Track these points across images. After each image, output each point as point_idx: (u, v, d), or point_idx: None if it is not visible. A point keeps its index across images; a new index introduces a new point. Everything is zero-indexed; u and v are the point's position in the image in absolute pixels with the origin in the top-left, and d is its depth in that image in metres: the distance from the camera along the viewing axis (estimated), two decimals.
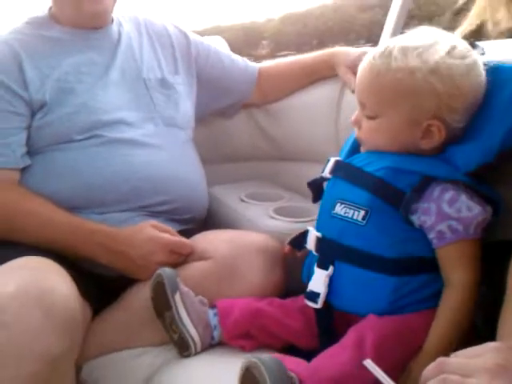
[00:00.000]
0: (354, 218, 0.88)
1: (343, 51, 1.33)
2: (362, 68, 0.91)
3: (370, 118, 0.90)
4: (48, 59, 1.18)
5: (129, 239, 1.05)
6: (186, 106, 1.33)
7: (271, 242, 1.08)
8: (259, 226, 1.22)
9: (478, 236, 0.85)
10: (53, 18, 1.26)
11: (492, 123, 0.86)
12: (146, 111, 1.25)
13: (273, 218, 1.24)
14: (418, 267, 0.86)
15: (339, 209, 0.90)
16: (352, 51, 1.30)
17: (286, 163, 1.51)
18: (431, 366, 0.56)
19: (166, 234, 1.07)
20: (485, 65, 0.88)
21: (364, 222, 0.87)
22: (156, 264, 1.02)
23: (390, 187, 0.86)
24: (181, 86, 1.33)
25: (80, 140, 1.15)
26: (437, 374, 0.55)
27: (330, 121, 1.36)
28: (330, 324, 0.92)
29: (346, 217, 0.89)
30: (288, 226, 1.19)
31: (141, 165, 1.17)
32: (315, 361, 0.83)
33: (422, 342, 0.83)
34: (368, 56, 0.90)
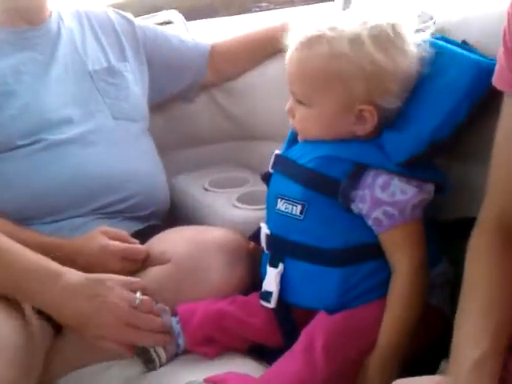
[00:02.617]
0: (293, 213, 0.85)
1: (293, 24, 1.25)
2: (289, 53, 0.86)
3: (302, 105, 0.86)
4: None
5: (79, 250, 1.01)
6: (136, 96, 1.28)
7: (231, 236, 1.04)
8: (223, 216, 1.19)
9: (417, 217, 0.82)
10: None
11: (424, 112, 0.82)
12: (93, 105, 1.20)
13: (236, 206, 1.19)
14: (364, 255, 0.84)
15: (280, 204, 0.88)
16: (300, 24, 1.23)
17: (250, 143, 1.46)
18: None
19: (118, 240, 1.03)
20: (423, 42, 0.83)
21: (302, 216, 0.84)
22: (110, 273, 0.97)
23: (324, 177, 0.83)
24: (130, 74, 1.29)
25: (23, 146, 1.11)
26: None
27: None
28: (289, 321, 0.89)
29: (287, 212, 0.86)
30: (252, 215, 1.15)
31: (90, 164, 1.12)
32: (265, 374, 0.81)
33: (376, 336, 0.81)
34: (295, 41, 0.85)
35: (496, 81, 0.75)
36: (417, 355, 0.84)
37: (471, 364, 0.62)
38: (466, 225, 0.77)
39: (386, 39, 0.81)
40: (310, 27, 0.85)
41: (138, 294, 0.90)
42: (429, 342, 0.85)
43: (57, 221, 1.10)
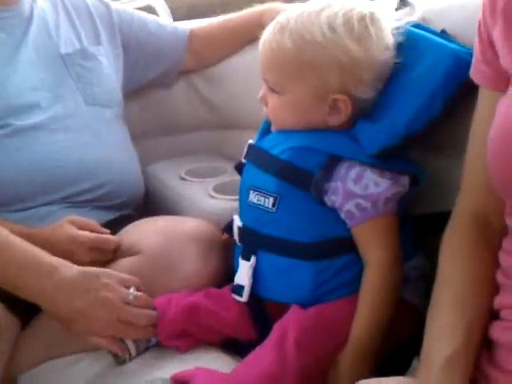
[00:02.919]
0: (265, 205, 0.84)
1: (273, 8, 1.22)
2: (262, 40, 0.83)
3: (275, 93, 0.83)
4: None
5: (47, 239, 0.97)
6: (110, 81, 1.25)
7: (205, 227, 1.01)
8: (199, 206, 1.16)
9: (391, 211, 0.81)
10: None
11: (398, 104, 0.80)
12: (64, 90, 1.17)
13: (212, 196, 1.17)
14: (337, 249, 0.82)
15: (252, 196, 0.86)
16: (283, 8, 1.20)
17: (229, 131, 1.42)
18: None
19: (87, 229, 1.00)
20: (399, 30, 0.81)
21: (274, 209, 0.82)
22: (78, 264, 0.94)
23: (297, 169, 0.81)
24: (104, 58, 1.26)
25: None
26: None
27: None
28: (263, 315, 0.88)
29: (259, 205, 0.85)
30: (228, 205, 1.12)
31: (58, 151, 1.10)
32: (236, 368, 0.80)
33: (348, 330, 0.80)
34: (268, 27, 0.82)
35: (472, 73, 0.73)
36: (390, 352, 0.83)
37: (442, 361, 0.61)
38: (442, 219, 0.76)
39: (361, 27, 0.79)
40: (283, 14, 0.83)
41: (132, 290, 0.89)
42: (402, 339, 0.84)
43: (24, 209, 1.07)
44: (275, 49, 0.81)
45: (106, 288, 0.86)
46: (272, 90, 0.84)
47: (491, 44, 0.68)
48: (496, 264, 0.67)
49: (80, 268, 0.87)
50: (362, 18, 0.79)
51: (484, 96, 0.72)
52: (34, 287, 0.85)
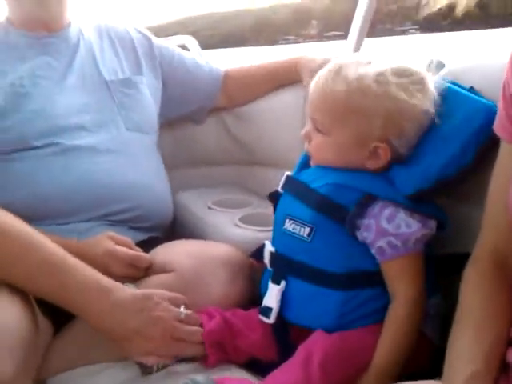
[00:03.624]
0: (301, 234, 0.89)
1: (308, 58, 1.32)
2: (314, 83, 0.90)
3: (320, 133, 0.90)
4: (1, 65, 1.16)
5: (85, 252, 1.01)
6: (150, 109, 1.32)
7: (234, 252, 1.07)
8: (225, 234, 1.22)
9: (419, 251, 0.86)
10: (9, 21, 1.24)
11: (433, 151, 0.87)
12: (108, 115, 1.23)
13: (238, 226, 1.23)
14: (365, 281, 0.87)
15: (288, 225, 0.91)
16: (317, 58, 1.29)
17: (255, 168, 1.50)
18: None
19: (124, 246, 1.05)
20: (437, 87, 0.88)
21: (309, 238, 0.87)
22: (112, 278, 0.98)
23: (334, 204, 0.87)
24: (145, 87, 1.32)
25: (37, 148, 1.13)
26: None
27: (297, 126, 1.34)
28: (286, 338, 0.92)
29: (294, 233, 0.90)
30: (253, 235, 1.18)
31: (100, 172, 1.15)
32: (263, 382, 0.84)
33: (370, 357, 0.84)
34: (322, 71, 0.90)
35: (496, 128, 0.80)
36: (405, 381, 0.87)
37: (463, 380, 0.65)
38: (459, 260, 0.82)
39: (409, 80, 0.86)
40: (338, 60, 0.90)
41: (183, 308, 0.92)
42: (417, 369, 0.88)
43: (61, 224, 1.11)
44: (327, 92, 0.88)
45: (159, 308, 0.89)
46: (318, 129, 0.90)
47: None
48: None
49: (133, 290, 0.91)
50: (413, 74, 0.87)
51: (505, 148, 0.79)
52: (90, 309, 0.88)
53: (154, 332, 0.88)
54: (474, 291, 0.75)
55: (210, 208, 1.33)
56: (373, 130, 0.86)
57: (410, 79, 0.86)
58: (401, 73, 0.86)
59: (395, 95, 0.85)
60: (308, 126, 0.93)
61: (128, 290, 0.91)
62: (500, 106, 0.79)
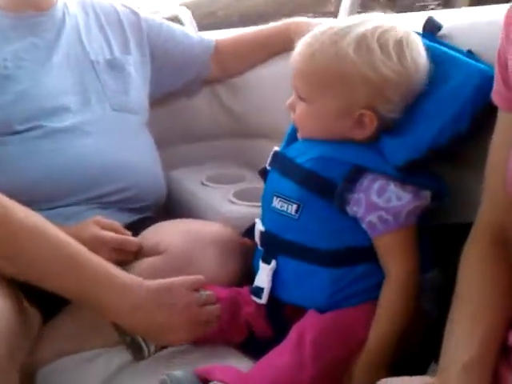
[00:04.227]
0: (289, 211, 0.85)
1: (302, 22, 1.26)
2: (296, 50, 0.85)
3: (303, 101, 0.86)
4: None
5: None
6: (138, 89, 1.28)
7: (226, 231, 1.04)
8: (219, 210, 1.19)
9: (412, 223, 0.82)
10: None
11: (425, 118, 0.82)
12: (93, 95, 1.20)
13: (232, 202, 1.20)
14: (357, 257, 0.84)
15: (276, 202, 0.88)
16: (312, 22, 1.23)
17: (250, 140, 1.45)
18: None
19: (111, 230, 1.02)
20: (428, 50, 0.83)
21: (297, 215, 0.84)
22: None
23: (320, 178, 0.83)
24: (132, 67, 1.29)
25: (21, 132, 1.11)
26: None
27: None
28: (280, 317, 0.90)
29: (282, 211, 0.86)
30: (247, 211, 1.15)
31: (86, 154, 1.12)
32: (254, 368, 0.81)
33: (364, 336, 0.81)
34: (303, 38, 0.85)
35: (493, 95, 0.75)
36: (403, 357, 0.84)
37: (460, 367, 0.62)
38: (460, 230, 0.78)
39: (394, 48, 0.80)
40: (320, 26, 0.85)
41: (202, 292, 0.90)
42: (415, 344, 0.85)
43: (51, 208, 1.09)
44: (309, 59, 0.83)
45: (180, 298, 0.87)
46: (301, 98, 0.86)
47: (507, 68, 0.69)
48: None
49: (149, 285, 0.87)
50: (398, 39, 0.81)
51: (502, 117, 0.73)
52: (109, 306, 0.85)
53: (180, 322, 0.87)
54: (472, 270, 0.70)
55: (203, 184, 1.30)
56: (356, 98, 0.81)
57: (396, 47, 0.80)
58: (384, 38, 0.80)
59: (376, 63, 0.79)
60: (293, 96, 0.89)
61: (146, 285, 0.87)
62: (496, 71, 0.73)
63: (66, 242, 0.86)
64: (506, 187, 0.67)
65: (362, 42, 0.80)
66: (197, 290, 0.90)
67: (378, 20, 0.83)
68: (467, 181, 0.89)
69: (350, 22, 0.83)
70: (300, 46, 0.86)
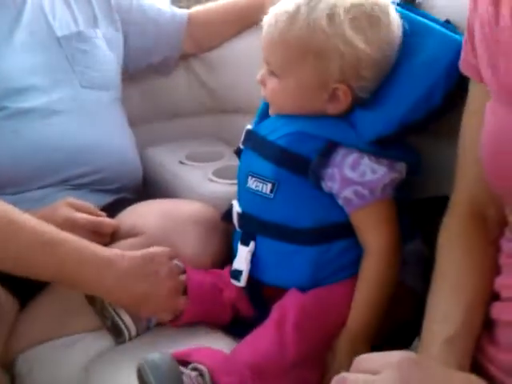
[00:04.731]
0: (263, 191, 0.83)
1: None
2: (265, 24, 0.82)
3: (275, 76, 0.83)
4: None
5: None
6: (107, 64, 1.25)
7: (206, 210, 1.02)
8: (198, 190, 1.16)
9: (388, 196, 0.81)
10: None
11: (398, 91, 0.80)
12: (61, 73, 1.16)
13: (212, 180, 1.17)
14: (336, 233, 0.82)
15: (251, 182, 0.86)
16: None
17: (228, 116, 1.42)
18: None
19: (85, 212, 0.99)
20: (403, 19, 0.80)
21: (272, 195, 0.82)
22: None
23: (294, 155, 0.81)
24: (101, 41, 1.25)
25: None
26: None
27: None
28: (261, 299, 0.88)
29: (257, 190, 0.84)
30: (227, 189, 1.11)
31: (55, 135, 1.09)
32: (235, 348, 0.80)
33: (347, 313, 0.80)
34: (273, 9, 0.82)
35: (462, 66, 0.72)
36: (388, 334, 0.84)
37: (442, 341, 0.61)
38: (440, 203, 0.76)
39: (366, 21, 0.78)
40: None
41: (177, 261, 0.92)
42: (401, 320, 0.85)
43: (19, 192, 1.06)
44: (279, 33, 0.80)
45: (162, 266, 0.89)
46: (272, 73, 0.83)
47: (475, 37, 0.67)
48: (495, 250, 0.67)
49: (133, 254, 0.88)
50: (370, 11, 0.78)
51: (473, 88, 0.71)
52: (92, 281, 0.85)
53: (163, 291, 0.88)
54: (451, 244, 0.70)
55: (181, 163, 1.27)
56: (329, 71, 0.79)
57: (369, 20, 0.78)
58: (358, 12, 0.78)
59: (348, 36, 0.77)
60: (263, 70, 0.85)
61: (127, 256, 0.87)
62: (465, 39, 0.71)
63: (40, 226, 0.84)
64: (481, 162, 0.65)
65: (333, 13, 0.77)
66: (172, 259, 0.91)
67: None
68: (443, 153, 0.88)
69: None
70: (269, 17, 0.83)
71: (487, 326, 0.63)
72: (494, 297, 0.64)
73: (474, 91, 0.71)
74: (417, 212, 0.89)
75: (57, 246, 0.83)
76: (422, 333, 0.65)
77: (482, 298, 0.64)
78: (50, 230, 0.84)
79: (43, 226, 0.84)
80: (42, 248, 0.82)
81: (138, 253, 0.88)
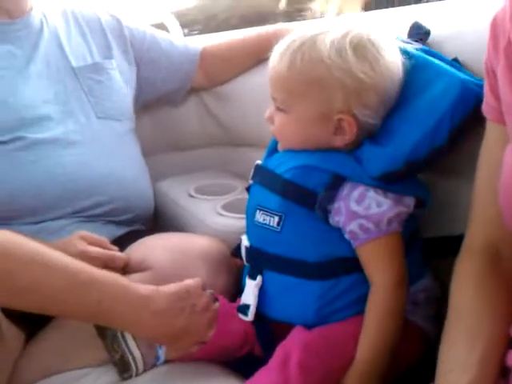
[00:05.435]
0: (271, 224, 0.83)
1: (285, 29, 1.23)
2: (270, 60, 0.84)
3: (282, 112, 0.84)
4: None
5: None
6: (121, 94, 1.26)
7: (215, 244, 1.02)
8: (207, 223, 1.16)
9: (395, 230, 0.80)
10: None
11: (405, 128, 0.80)
12: (76, 104, 1.18)
13: (221, 214, 1.17)
14: (343, 268, 0.82)
15: (259, 216, 0.86)
16: (294, 28, 1.21)
17: (238, 149, 1.43)
18: None
19: (98, 246, 0.99)
20: (409, 56, 0.81)
21: (279, 228, 0.82)
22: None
23: (300, 188, 0.81)
24: (115, 72, 1.27)
25: (1, 143, 1.07)
26: None
27: None
28: (268, 335, 0.87)
29: (265, 224, 0.84)
30: (237, 223, 1.11)
31: (70, 165, 1.10)
32: None
33: (354, 352, 0.79)
34: (276, 46, 0.83)
35: (484, 107, 0.73)
36: (400, 374, 0.82)
37: None
38: (453, 242, 0.76)
39: (369, 52, 0.79)
40: (292, 34, 0.83)
41: (209, 291, 0.91)
42: (411, 362, 0.83)
43: (36, 222, 1.07)
44: (282, 68, 0.81)
45: (198, 299, 0.87)
46: (279, 108, 0.84)
47: (497, 79, 0.68)
48: (510, 293, 0.66)
49: (168, 291, 0.86)
50: (371, 43, 0.79)
51: (491, 129, 0.72)
52: (129, 319, 0.83)
53: (200, 323, 0.87)
54: (464, 289, 0.69)
55: (191, 196, 1.27)
56: (333, 103, 0.79)
57: (370, 51, 0.79)
58: (360, 44, 0.79)
59: (351, 68, 0.78)
60: (270, 108, 0.86)
61: (163, 293, 0.85)
62: (485, 83, 0.71)
63: (73, 264, 0.81)
64: (499, 203, 0.65)
65: (334, 46, 0.78)
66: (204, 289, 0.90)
67: (351, 24, 0.81)
68: (456, 190, 0.88)
69: (322, 26, 0.82)
70: (273, 55, 0.84)
71: (503, 373, 0.62)
72: (510, 343, 0.63)
73: (492, 133, 0.71)
74: (428, 251, 0.88)
75: (93, 284, 0.80)
76: (436, 381, 0.63)
77: (498, 346, 0.63)
78: (83, 267, 0.81)
79: (75, 263, 0.81)
80: (78, 289, 0.79)
81: (173, 288, 0.86)
